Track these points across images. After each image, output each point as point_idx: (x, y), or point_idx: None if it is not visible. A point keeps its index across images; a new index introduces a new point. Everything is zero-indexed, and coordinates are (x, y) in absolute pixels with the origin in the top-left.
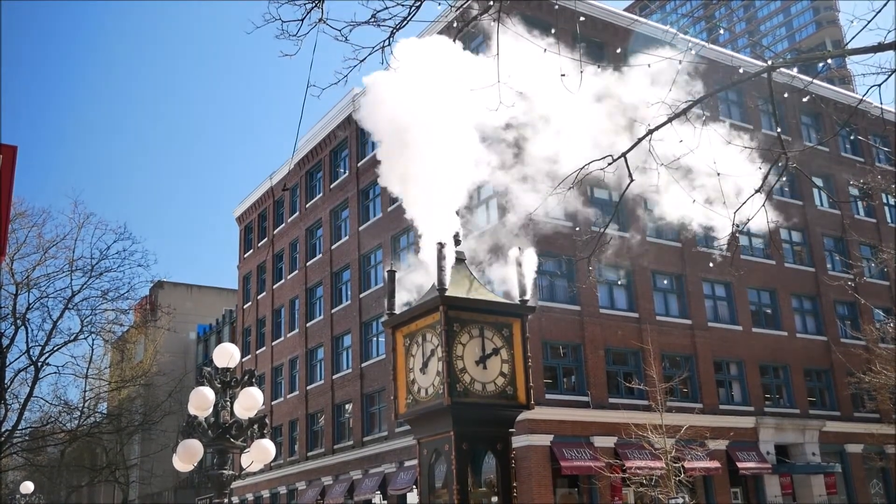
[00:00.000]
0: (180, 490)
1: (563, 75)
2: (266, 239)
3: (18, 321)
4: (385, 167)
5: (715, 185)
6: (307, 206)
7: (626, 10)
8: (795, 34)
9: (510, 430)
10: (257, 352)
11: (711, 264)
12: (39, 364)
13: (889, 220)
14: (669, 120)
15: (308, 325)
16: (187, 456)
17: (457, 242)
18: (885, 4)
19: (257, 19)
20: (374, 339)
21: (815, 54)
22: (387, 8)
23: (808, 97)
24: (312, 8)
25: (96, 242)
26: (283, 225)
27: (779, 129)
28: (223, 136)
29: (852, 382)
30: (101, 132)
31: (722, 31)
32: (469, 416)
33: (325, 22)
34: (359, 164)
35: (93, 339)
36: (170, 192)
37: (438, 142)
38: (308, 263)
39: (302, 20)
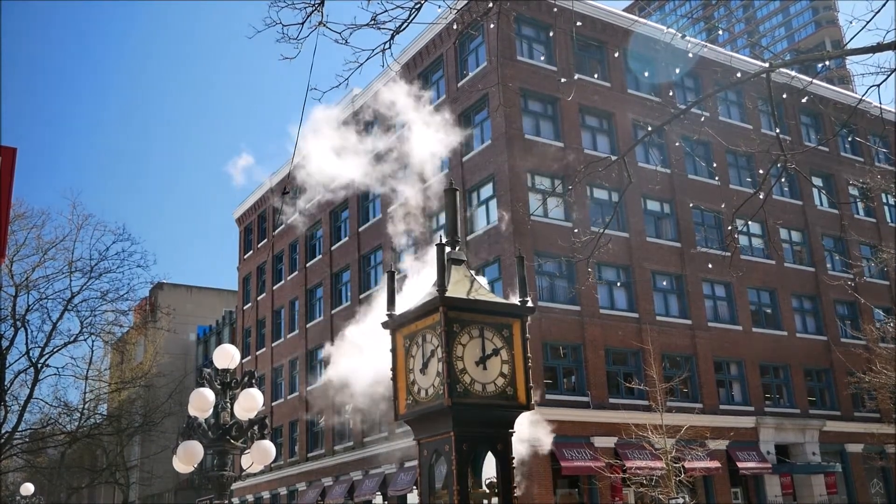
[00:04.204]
0: (180, 491)
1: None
2: (266, 240)
3: (18, 323)
4: None
5: None
6: (306, 206)
7: (624, 10)
8: (794, 34)
9: (510, 430)
10: (257, 353)
11: (711, 265)
12: (39, 365)
13: (889, 219)
14: (668, 121)
15: (308, 325)
16: (187, 457)
17: (455, 244)
18: (884, 4)
19: (258, 23)
20: None
21: (815, 55)
22: (386, 10)
23: (807, 97)
24: (312, 11)
25: (95, 243)
26: (283, 226)
27: (778, 130)
28: (223, 137)
29: (852, 382)
30: (100, 133)
31: (721, 32)
32: (469, 416)
33: (325, 25)
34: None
35: (92, 341)
36: (169, 194)
37: None
38: (308, 264)
39: (302, 24)
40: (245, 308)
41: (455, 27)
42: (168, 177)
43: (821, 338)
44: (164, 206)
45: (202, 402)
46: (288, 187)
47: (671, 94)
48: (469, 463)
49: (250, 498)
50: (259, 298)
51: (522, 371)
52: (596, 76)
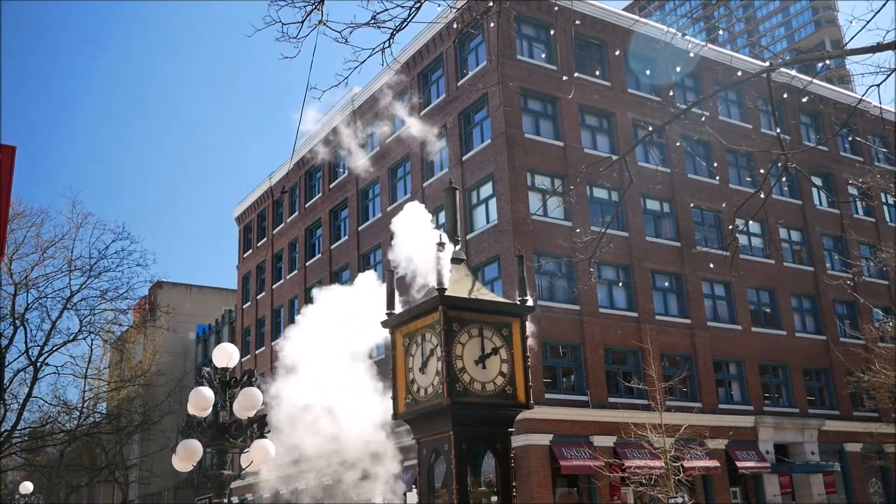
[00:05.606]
0: (180, 490)
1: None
2: (265, 239)
3: (17, 321)
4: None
5: None
6: (306, 205)
7: (624, 9)
8: (794, 34)
9: (510, 429)
10: (257, 352)
11: (711, 265)
12: (38, 364)
13: (888, 219)
14: (669, 121)
15: None
16: (187, 456)
17: (455, 243)
18: (883, 4)
19: (257, 21)
20: None
21: (815, 54)
22: (386, 10)
23: (807, 97)
24: (312, 10)
25: (95, 242)
26: (283, 225)
27: (778, 130)
28: (222, 136)
29: (851, 382)
30: (100, 132)
31: (721, 32)
32: (468, 415)
33: (325, 24)
34: (358, 164)
35: (92, 340)
36: (169, 192)
37: None
38: (307, 263)
39: (302, 22)
40: (244, 307)
41: (455, 26)
42: (168, 175)
43: (820, 337)
44: (163, 205)
45: (201, 400)
46: (287, 185)
47: (671, 93)
48: (468, 462)
49: (249, 497)
50: (258, 297)
51: (522, 370)
52: (598, 74)
